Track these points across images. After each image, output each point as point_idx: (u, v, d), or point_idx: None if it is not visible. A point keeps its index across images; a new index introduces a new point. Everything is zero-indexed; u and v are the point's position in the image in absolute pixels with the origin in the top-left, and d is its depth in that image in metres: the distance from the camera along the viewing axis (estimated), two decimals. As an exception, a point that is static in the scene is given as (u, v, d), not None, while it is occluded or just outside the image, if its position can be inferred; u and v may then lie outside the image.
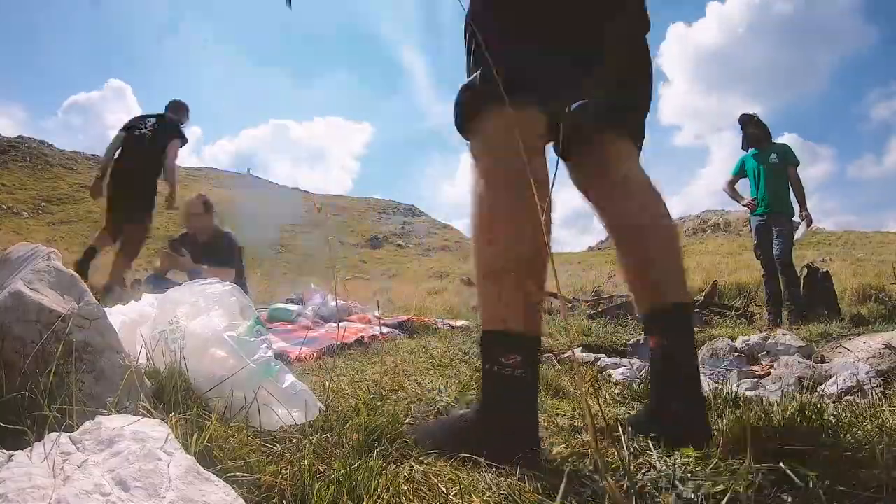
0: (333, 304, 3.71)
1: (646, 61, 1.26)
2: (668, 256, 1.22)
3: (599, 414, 1.26)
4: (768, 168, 4.82)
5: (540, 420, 1.33)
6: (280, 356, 2.14)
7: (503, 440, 1.00)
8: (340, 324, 3.11)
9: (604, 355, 2.77)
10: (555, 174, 1.04)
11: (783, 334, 2.66)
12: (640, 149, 1.29)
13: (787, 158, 4.85)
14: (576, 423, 1.34)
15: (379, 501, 0.81)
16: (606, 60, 1.15)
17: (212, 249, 4.06)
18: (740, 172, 5.12)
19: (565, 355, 2.66)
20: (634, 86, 1.27)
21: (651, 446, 1.03)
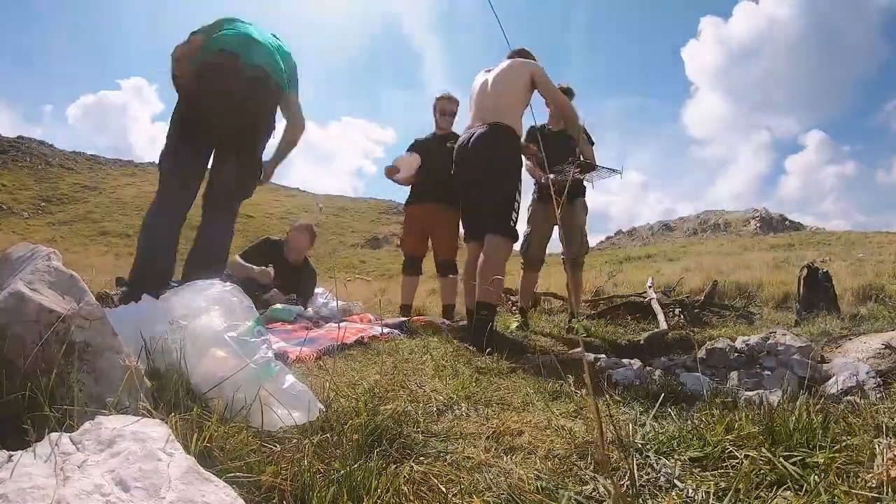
0: (334, 304, 3.71)
1: None
2: None
3: (605, 414, 1.26)
4: None
5: (540, 420, 1.33)
6: (280, 356, 2.13)
7: None
8: (340, 324, 3.11)
9: (604, 355, 2.77)
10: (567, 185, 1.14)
11: (783, 334, 2.65)
12: None
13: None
14: (576, 424, 1.34)
15: (379, 501, 0.81)
16: None
17: (296, 273, 4.10)
18: None
19: (565, 356, 2.65)
20: None
21: (652, 446, 1.03)
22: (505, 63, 2.94)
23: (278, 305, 3.59)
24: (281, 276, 3.95)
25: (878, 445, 0.87)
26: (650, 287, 5.20)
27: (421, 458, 1.01)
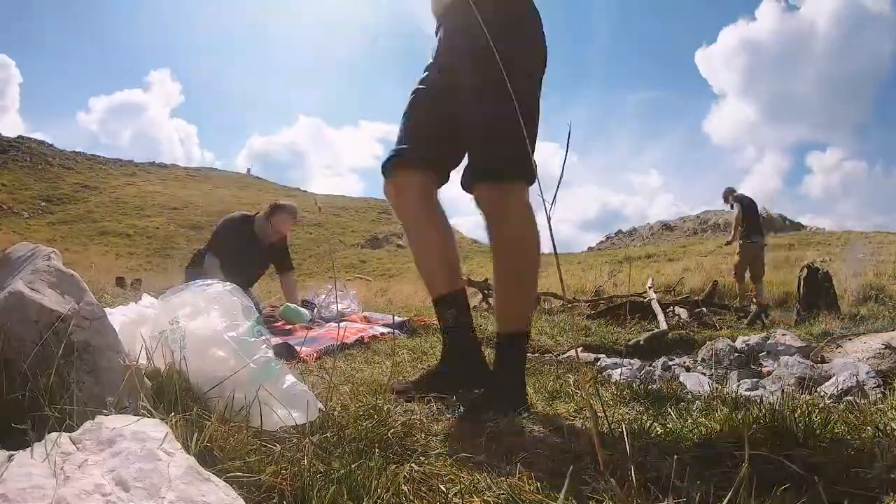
0: (340, 303, 3.73)
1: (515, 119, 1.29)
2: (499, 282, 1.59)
3: (601, 414, 1.26)
4: None
5: (540, 420, 1.33)
6: (283, 353, 2.14)
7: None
8: (340, 324, 3.11)
9: (604, 355, 2.77)
10: (558, 184, 1.21)
11: (783, 334, 2.66)
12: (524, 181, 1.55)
13: None
14: (576, 424, 1.34)
15: (379, 501, 0.81)
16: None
17: (276, 251, 4.12)
18: None
19: (565, 355, 2.66)
20: (502, 144, 1.50)
21: (652, 445, 1.03)
22: None
23: (291, 306, 3.59)
24: (257, 256, 3.92)
25: (879, 446, 0.87)
26: (650, 287, 5.21)
27: (421, 458, 1.01)
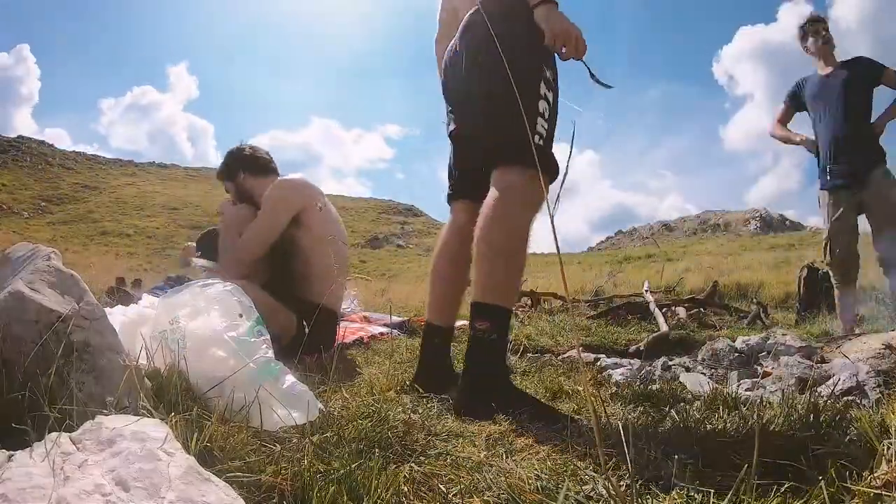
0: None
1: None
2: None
3: (602, 414, 1.26)
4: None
5: (540, 420, 1.33)
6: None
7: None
8: (340, 323, 3.11)
9: (604, 355, 2.76)
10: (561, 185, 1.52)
11: (783, 335, 2.66)
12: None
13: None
14: (577, 424, 1.34)
15: (379, 501, 0.81)
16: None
17: None
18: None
19: (565, 355, 2.65)
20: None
21: (652, 445, 1.03)
22: None
23: None
24: None
25: (886, 446, 0.87)
26: (647, 291, 5.20)
27: (421, 458, 1.01)
